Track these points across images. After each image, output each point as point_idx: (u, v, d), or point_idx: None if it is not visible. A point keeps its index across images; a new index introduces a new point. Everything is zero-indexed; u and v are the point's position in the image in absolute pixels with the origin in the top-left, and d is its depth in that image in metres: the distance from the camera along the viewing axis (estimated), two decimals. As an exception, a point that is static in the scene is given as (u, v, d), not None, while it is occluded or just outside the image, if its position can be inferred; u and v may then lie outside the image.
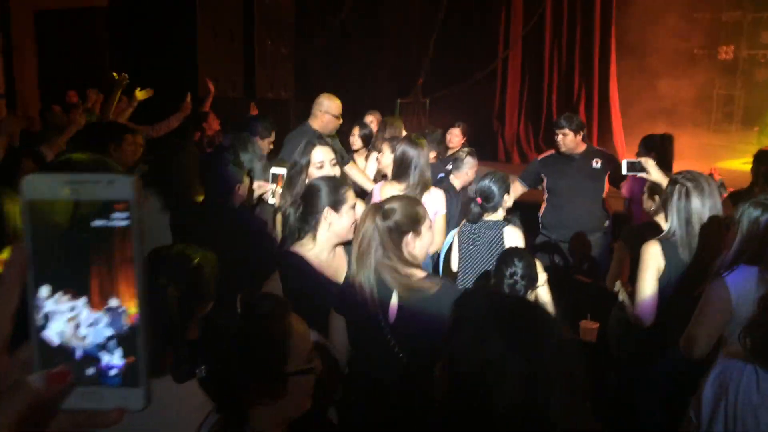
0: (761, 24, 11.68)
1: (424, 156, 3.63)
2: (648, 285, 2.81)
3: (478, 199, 3.49)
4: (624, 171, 3.69)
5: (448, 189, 4.13)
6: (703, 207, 2.82)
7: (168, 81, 6.08)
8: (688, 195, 2.85)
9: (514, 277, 2.89)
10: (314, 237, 2.65)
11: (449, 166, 4.52)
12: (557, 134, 4.75)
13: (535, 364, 1.11)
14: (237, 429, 1.38)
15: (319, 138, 3.72)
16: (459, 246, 3.57)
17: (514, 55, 9.52)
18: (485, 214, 3.48)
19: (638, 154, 4.40)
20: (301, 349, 1.41)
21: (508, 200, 3.52)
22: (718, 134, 11.44)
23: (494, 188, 3.45)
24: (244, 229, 3.77)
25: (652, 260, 2.80)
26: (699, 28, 11.73)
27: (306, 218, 2.68)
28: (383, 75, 9.99)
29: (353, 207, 2.68)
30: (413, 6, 10.03)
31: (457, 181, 4.44)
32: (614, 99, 9.22)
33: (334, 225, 2.62)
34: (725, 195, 3.95)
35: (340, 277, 2.63)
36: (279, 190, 3.49)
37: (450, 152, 5.73)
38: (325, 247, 2.65)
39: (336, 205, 2.62)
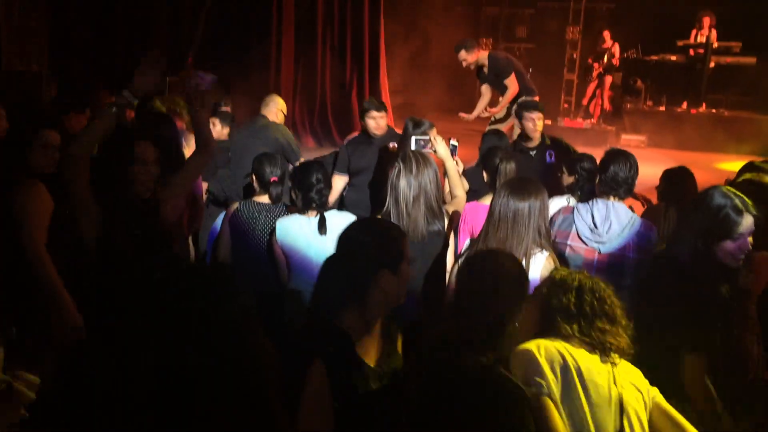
0: (516, 19, 12.79)
1: None
2: None
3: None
4: (413, 147, 3.75)
5: None
6: (408, 188, 3.00)
7: None
8: (398, 175, 3.04)
9: None
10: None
11: None
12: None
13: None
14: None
15: None
16: None
17: (288, 38, 9.52)
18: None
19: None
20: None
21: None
22: (484, 122, 12.33)
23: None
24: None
25: None
26: (462, 21, 12.60)
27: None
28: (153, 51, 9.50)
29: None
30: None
31: None
32: (384, 84, 9.60)
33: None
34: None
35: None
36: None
37: None
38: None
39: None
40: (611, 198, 3.29)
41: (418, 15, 10.70)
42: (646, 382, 2.09)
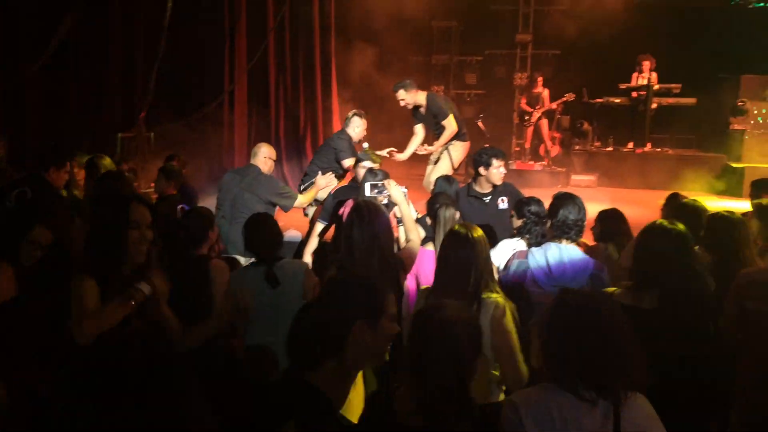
0: (465, 67, 13.12)
1: None
2: None
3: None
4: (367, 193, 3.81)
5: None
6: (361, 237, 3.08)
7: None
8: (350, 224, 3.16)
9: None
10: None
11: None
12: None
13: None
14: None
15: None
16: None
17: (240, 89, 9.59)
18: None
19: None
20: None
21: None
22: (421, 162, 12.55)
23: None
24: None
25: None
26: (414, 69, 12.88)
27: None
28: (107, 107, 9.45)
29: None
30: (137, 37, 9.66)
31: None
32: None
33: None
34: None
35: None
36: None
37: None
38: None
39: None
40: (563, 241, 3.38)
41: (370, 64, 10.89)
42: None
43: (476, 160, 4.88)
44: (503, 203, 4.86)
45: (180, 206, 5.29)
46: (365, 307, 1.87)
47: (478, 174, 4.97)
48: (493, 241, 3.98)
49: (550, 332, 1.94)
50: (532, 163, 11.66)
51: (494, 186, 4.90)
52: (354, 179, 4.87)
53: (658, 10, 12.01)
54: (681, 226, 2.73)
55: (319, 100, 9.51)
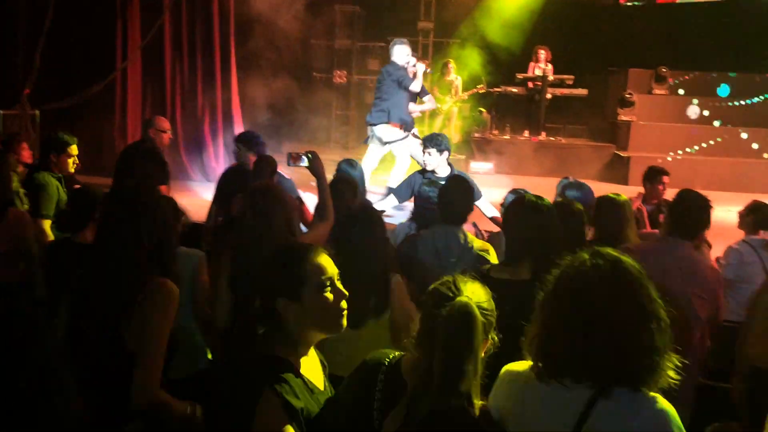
0: (368, 52, 13.12)
1: None
2: None
3: None
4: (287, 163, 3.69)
5: None
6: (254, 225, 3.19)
7: None
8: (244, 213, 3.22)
9: None
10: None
11: None
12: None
13: None
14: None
15: None
16: None
17: (134, 68, 9.20)
18: None
19: None
20: None
21: None
22: (339, 150, 12.53)
23: None
24: None
25: None
26: (316, 53, 12.78)
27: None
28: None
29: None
30: (20, 10, 9.08)
31: None
32: (237, 113, 9.50)
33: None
34: None
35: None
36: None
37: None
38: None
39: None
40: (450, 224, 3.48)
41: (272, 48, 10.70)
42: None
43: (431, 142, 5.05)
44: None
45: None
46: (281, 282, 1.90)
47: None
48: None
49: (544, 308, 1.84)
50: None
51: (451, 170, 5.07)
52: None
53: (554, 3, 12.41)
54: (547, 201, 2.86)
55: (218, 83, 9.26)
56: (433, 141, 5.07)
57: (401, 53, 7.35)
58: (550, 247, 2.60)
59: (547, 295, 1.83)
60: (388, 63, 7.56)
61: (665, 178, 5.74)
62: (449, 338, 1.76)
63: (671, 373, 1.70)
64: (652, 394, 1.69)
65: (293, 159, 3.60)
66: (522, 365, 1.86)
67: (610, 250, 1.82)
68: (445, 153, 5.01)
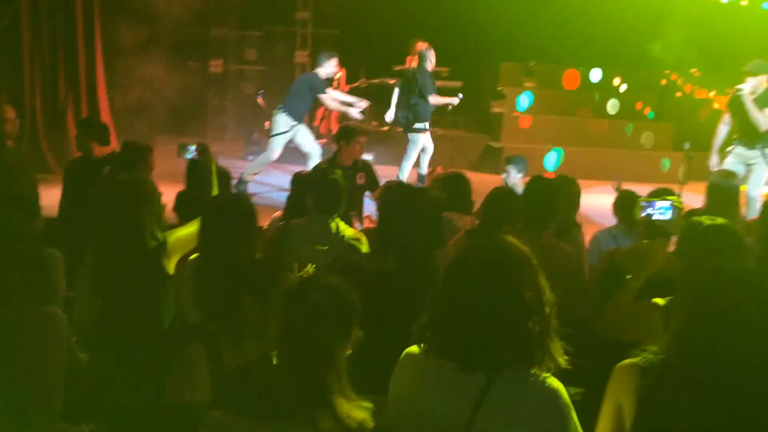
0: (245, 41, 12.86)
1: None
2: None
3: None
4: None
5: None
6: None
7: None
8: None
9: None
10: None
11: None
12: None
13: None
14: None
15: None
16: None
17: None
18: None
19: None
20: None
21: None
22: (216, 143, 12.23)
23: None
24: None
25: None
26: (190, 42, 12.38)
27: None
28: None
29: None
30: None
31: None
32: (104, 104, 9.06)
33: None
34: None
35: None
36: None
37: None
38: None
39: None
40: (322, 214, 3.50)
41: (141, 35, 10.27)
42: None
43: (340, 133, 5.28)
44: (361, 179, 5.33)
45: None
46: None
47: (340, 148, 5.51)
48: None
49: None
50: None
51: (355, 161, 5.09)
52: None
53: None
54: (418, 191, 2.92)
55: (82, 73, 8.77)
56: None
57: (328, 68, 8.05)
58: (419, 238, 2.64)
59: (439, 282, 1.89)
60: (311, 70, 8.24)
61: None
62: (299, 336, 1.74)
63: (560, 357, 1.78)
64: (543, 374, 1.77)
65: (183, 151, 3.61)
66: (419, 349, 1.88)
67: (496, 238, 1.88)
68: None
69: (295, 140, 7.90)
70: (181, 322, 2.86)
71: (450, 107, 8.68)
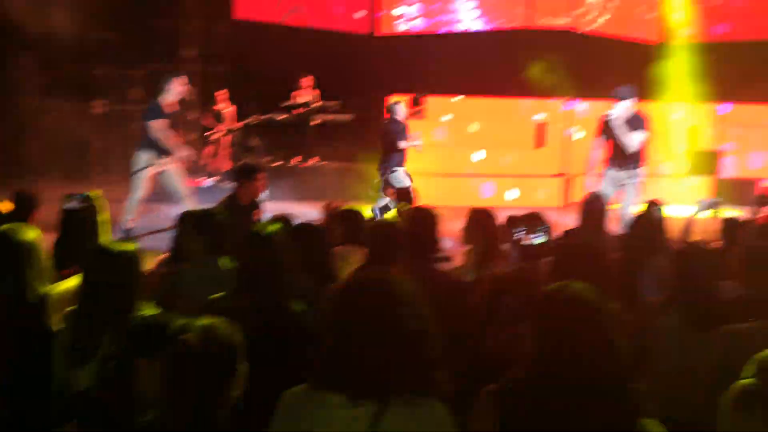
0: (129, 80, 12.57)
1: None
2: None
3: None
4: None
5: None
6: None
7: None
8: None
9: None
10: None
11: None
12: None
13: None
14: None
15: None
16: None
17: None
18: None
19: None
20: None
21: None
22: (104, 186, 11.81)
23: None
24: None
25: None
26: (72, 82, 11.98)
27: None
28: None
29: None
30: None
31: None
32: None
33: None
34: None
35: None
36: None
37: None
38: None
39: None
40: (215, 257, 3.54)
41: (18, 73, 9.89)
42: None
43: (240, 171, 5.47)
44: (257, 216, 5.39)
45: None
46: None
47: (240, 186, 5.56)
48: None
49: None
50: (203, 179, 11.62)
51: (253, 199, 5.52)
52: None
53: (317, 34, 12.88)
54: (275, 227, 2.98)
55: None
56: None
57: (171, 91, 7.84)
58: (274, 276, 2.72)
59: (325, 315, 1.92)
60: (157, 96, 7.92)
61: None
62: (175, 381, 1.75)
63: (447, 383, 1.86)
64: (431, 402, 1.83)
65: (68, 200, 3.52)
66: (302, 387, 1.90)
67: (377, 271, 1.95)
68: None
69: (161, 180, 7.78)
70: (66, 389, 2.71)
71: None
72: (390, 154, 9.26)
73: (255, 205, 5.78)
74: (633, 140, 7.26)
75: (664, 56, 12.30)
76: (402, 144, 9.18)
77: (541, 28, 13.69)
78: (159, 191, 7.99)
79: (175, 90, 7.80)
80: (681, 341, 3.04)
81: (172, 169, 7.70)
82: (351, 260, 4.37)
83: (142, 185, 7.66)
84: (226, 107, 11.88)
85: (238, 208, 5.44)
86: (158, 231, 7.63)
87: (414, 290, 1.92)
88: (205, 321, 1.86)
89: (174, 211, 7.50)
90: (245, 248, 2.88)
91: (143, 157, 7.59)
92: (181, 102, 12.37)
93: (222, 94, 11.91)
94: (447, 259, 4.48)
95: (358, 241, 4.63)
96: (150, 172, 7.63)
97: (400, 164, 9.29)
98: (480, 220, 4.16)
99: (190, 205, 7.58)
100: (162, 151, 7.59)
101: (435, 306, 1.86)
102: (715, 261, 3.25)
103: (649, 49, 12.77)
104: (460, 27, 14.56)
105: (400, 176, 9.22)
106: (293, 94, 11.98)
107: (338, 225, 4.65)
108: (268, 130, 12.48)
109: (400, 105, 9.64)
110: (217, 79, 12.86)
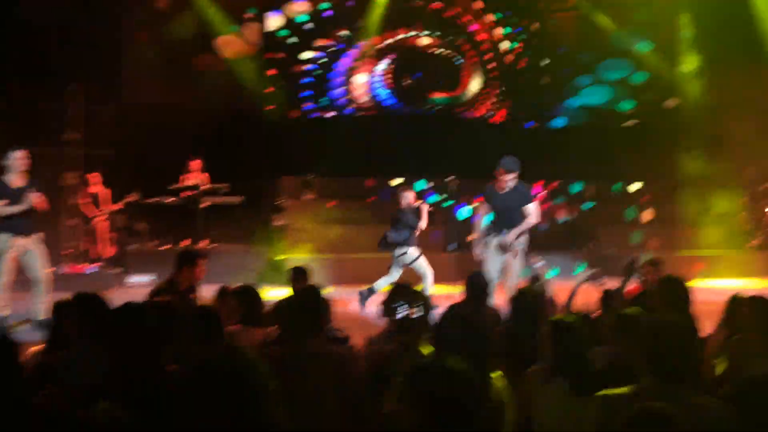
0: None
1: None
2: None
3: None
4: None
5: None
6: None
7: None
8: None
9: None
10: None
11: None
12: None
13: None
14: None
15: None
16: None
17: None
18: None
19: None
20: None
21: None
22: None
23: None
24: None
25: None
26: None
27: None
28: None
29: None
30: None
31: None
32: None
33: None
34: None
35: None
36: None
37: None
38: None
39: None
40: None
41: None
42: None
43: (184, 257, 5.69)
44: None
45: None
46: None
47: (182, 271, 5.67)
48: None
49: None
50: (84, 266, 11.15)
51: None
52: None
53: (206, 116, 12.88)
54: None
55: None
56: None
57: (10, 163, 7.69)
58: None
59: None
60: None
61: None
62: None
63: None
64: None
65: None
66: None
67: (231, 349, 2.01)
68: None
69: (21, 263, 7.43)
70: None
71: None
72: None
73: (192, 290, 5.76)
74: (530, 210, 7.63)
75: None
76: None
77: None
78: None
79: (14, 165, 7.66)
80: (563, 408, 3.18)
81: (34, 250, 7.36)
82: (243, 339, 4.30)
83: (3, 269, 7.26)
84: (99, 190, 11.60)
85: (177, 292, 5.43)
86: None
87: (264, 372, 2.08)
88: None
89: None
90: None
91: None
92: (62, 188, 12.02)
93: (94, 177, 11.65)
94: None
95: (257, 321, 4.60)
96: (10, 254, 7.26)
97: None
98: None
99: (45, 291, 7.31)
100: (17, 231, 7.31)
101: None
102: (586, 330, 3.42)
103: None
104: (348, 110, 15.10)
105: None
106: (182, 177, 11.85)
107: (240, 305, 4.64)
108: (157, 213, 12.20)
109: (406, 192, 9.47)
110: (102, 163, 12.54)
